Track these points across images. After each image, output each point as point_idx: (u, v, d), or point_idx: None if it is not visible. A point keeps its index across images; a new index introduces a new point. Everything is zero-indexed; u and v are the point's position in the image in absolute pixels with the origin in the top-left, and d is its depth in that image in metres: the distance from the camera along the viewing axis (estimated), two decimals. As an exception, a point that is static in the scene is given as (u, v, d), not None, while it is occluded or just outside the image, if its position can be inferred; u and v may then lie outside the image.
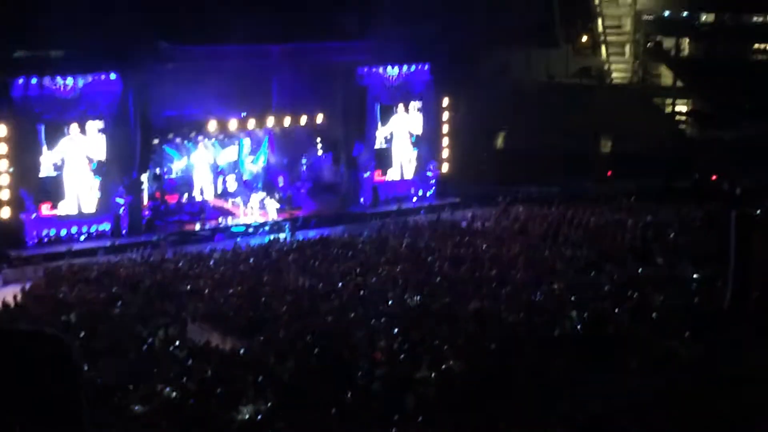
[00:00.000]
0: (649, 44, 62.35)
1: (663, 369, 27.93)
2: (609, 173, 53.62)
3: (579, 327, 30.41)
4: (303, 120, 49.34)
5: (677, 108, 61.69)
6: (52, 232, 42.63)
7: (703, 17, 61.79)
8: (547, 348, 28.74)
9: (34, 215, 41.84)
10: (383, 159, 52.09)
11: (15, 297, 33.96)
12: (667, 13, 62.08)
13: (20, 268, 38.77)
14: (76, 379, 2.37)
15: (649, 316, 31.77)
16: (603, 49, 62.59)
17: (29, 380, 2.25)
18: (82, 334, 28.87)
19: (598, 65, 62.68)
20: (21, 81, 41.65)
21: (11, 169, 41.53)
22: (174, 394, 25.26)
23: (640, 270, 37.52)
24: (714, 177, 52.29)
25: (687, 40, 61.93)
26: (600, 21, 62.53)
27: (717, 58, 57.68)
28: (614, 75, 62.53)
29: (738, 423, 23.37)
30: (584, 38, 63.53)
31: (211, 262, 38.95)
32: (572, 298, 33.27)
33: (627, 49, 62.86)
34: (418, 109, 52.76)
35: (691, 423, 23.84)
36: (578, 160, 52.33)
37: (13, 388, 2.28)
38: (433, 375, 26.37)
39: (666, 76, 62.18)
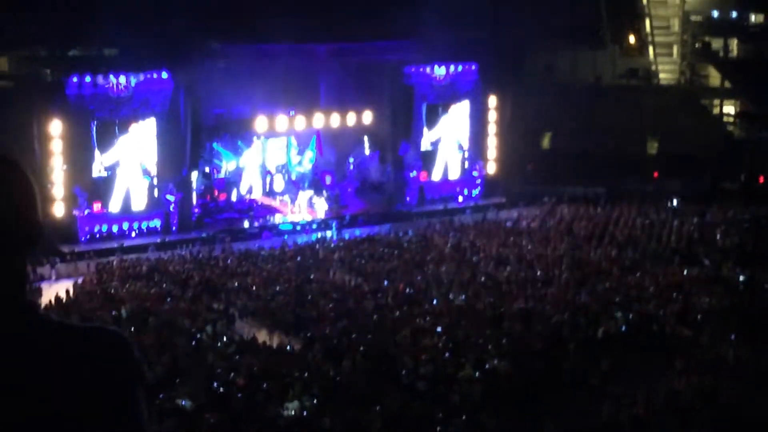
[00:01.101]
0: (697, 45, 61.97)
1: (708, 371, 27.95)
2: (656, 174, 53.42)
3: (624, 328, 30.49)
4: (350, 119, 49.60)
5: (725, 109, 61.29)
6: (104, 228, 43.35)
7: (753, 17, 61.39)
8: (591, 348, 28.89)
9: (86, 211, 42.58)
10: (429, 159, 52.29)
11: (67, 291, 34.69)
12: (715, 13, 61.71)
13: (72, 263, 39.52)
14: (138, 377, 2.49)
15: (695, 318, 31.78)
16: (650, 49, 62.25)
17: (90, 377, 2.38)
18: (132, 328, 29.45)
19: (646, 66, 62.36)
20: (75, 79, 42.38)
21: (65, 167, 42.25)
22: (221, 389, 25.75)
23: (686, 271, 37.47)
24: (762, 179, 51.94)
25: (735, 40, 61.53)
26: (648, 21, 62.19)
27: (766, 59, 57.19)
28: (661, 76, 62.14)
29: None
30: (631, 39, 63.23)
31: (259, 260, 39.47)
32: (617, 299, 33.34)
33: (675, 49, 62.46)
34: (465, 109, 52.89)
35: (734, 427, 23.88)
36: (625, 161, 52.18)
37: (73, 385, 2.41)
38: (477, 374, 26.61)
39: (714, 77, 61.75)
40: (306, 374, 26.41)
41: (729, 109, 61.56)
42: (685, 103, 58.56)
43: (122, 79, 43.31)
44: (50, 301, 32.87)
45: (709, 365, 28.25)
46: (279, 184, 49.92)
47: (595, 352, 28.61)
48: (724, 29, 61.48)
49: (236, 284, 35.51)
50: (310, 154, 51.28)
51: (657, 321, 31.36)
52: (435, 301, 33.58)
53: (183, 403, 25.20)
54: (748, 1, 60.43)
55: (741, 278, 36.14)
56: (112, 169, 43.73)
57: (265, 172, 49.80)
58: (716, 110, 61.75)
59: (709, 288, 34.93)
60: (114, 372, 2.62)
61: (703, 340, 30.46)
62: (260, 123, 46.96)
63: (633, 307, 32.46)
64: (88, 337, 2.63)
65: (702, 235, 42.86)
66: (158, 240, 43.06)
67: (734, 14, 61.70)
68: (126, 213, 44.07)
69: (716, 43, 62.31)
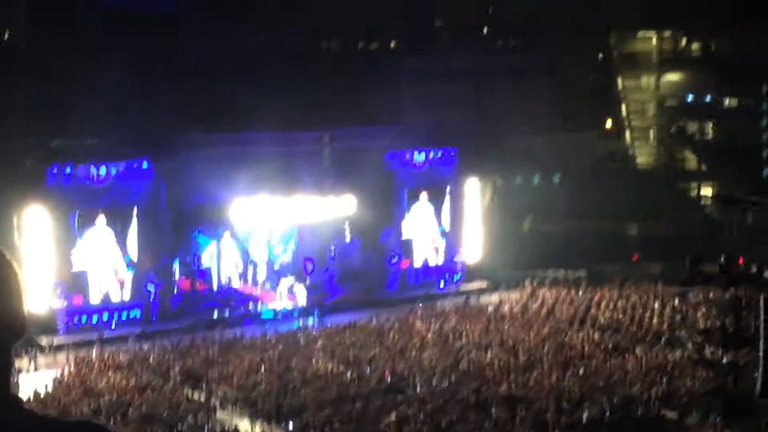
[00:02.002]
0: (672, 129, 62.76)
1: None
2: (636, 256, 53.62)
3: (608, 412, 30.35)
4: (331, 205, 49.66)
5: (702, 192, 61.88)
6: (84, 319, 43.01)
7: (726, 101, 62.32)
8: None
9: (65, 303, 42.26)
10: (410, 244, 52.36)
11: (45, 385, 34.27)
12: (690, 97, 62.67)
13: (52, 354, 39.06)
14: None
15: (680, 401, 31.69)
16: (627, 133, 63.03)
17: None
18: (111, 421, 29.09)
19: (623, 149, 63.05)
20: (56, 170, 42.44)
21: (44, 258, 42.03)
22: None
23: (669, 354, 37.45)
24: (741, 260, 52.10)
25: (710, 124, 62.39)
26: (624, 106, 63.06)
27: (740, 141, 57.98)
28: (639, 159, 62.82)
29: None
30: (609, 123, 64.04)
31: (240, 348, 39.17)
32: (601, 383, 33.23)
33: (651, 133, 63.26)
34: (445, 194, 53.19)
35: None
36: (605, 243, 52.37)
37: None
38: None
39: (690, 160, 62.53)
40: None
41: (706, 191, 62.16)
42: (663, 185, 59.09)
43: (102, 169, 43.38)
44: (29, 395, 32.48)
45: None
46: (261, 273, 49.72)
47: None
48: (698, 113, 62.37)
49: (217, 373, 35.21)
50: (291, 244, 51.19)
51: (641, 404, 31.27)
52: (418, 388, 33.41)
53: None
54: (721, 85, 61.37)
55: (724, 360, 36.09)
56: (92, 259, 43.55)
57: (247, 261, 49.63)
58: (694, 192, 62.33)
59: (692, 370, 34.91)
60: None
61: (688, 423, 30.37)
62: (240, 210, 46.99)
63: (617, 390, 32.39)
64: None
65: (684, 317, 42.92)
66: (138, 330, 42.69)
67: (708, 98, 62.64)
68: (106, 303, 43.79)
69: (692, 127, 63.14)
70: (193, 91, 46.58)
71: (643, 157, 63.29)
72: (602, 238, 52.64)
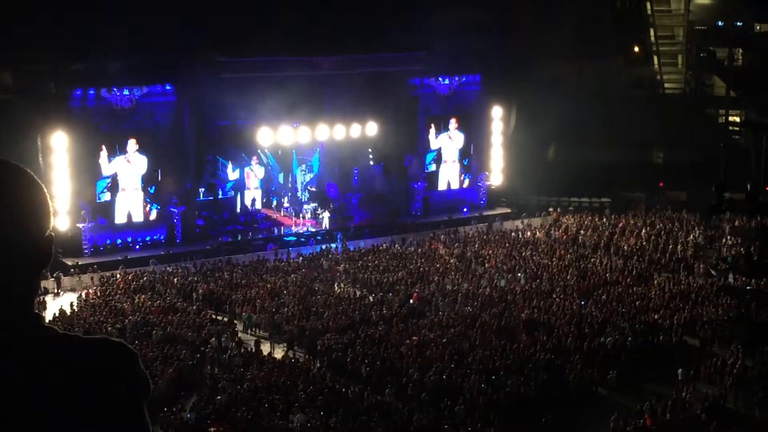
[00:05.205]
0: (702, 54, 61.87)
1: (715, 381, 27.84)
2: (661, 184, 53.29)
3: (630, 338, 30.35)
4: (354, 130, 49.51)
5: (731, 118, 61.19)
6: (108, 240, 43.27)
7: (757, 27, 61.33)
8: (598, 359, 28.75)
9: (90, 224, 42.48)
10: (434, 170, 52.24)
11: (71, 304, 34.58)
12: (720, 23, 61.63)
13: (76, 276, 39.38)
14: (143, 390, 2.40)
15: (702, 328, 31.65)
16: (655, 59, 62.17)
17: (94, 390, 2.29)
18: (135, 341, 29.35)
19: (651, 76, 62.26)
20: (79, 92, 42.36)
21: (69, 179, 42.16)
22: (226, 401, 25.63)
23: (692, 281, 37.35)
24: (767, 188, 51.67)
25: (740, 50, 61.47)
26: (652, 31, 62.10)
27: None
28: (667, 85, 62.06)
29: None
30: (636, 49, 63.11)
31: (263, 271, 39.34)
32: (623, 310, 33.22)
33: (680, 59, 62.39)
34: (469, 120, 52.90)
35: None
36: (630, 171, 52.05)
37: (77, 398, 2.31)
38: (483, 385, 26.49)
39: (719, 87, 61.70)
40: (311, 387, 26.32)
41: (735, 118, 61.45)
42: (691, 112, 58.44)
43: (126, 92, 43.32)
44: (54, 315, 32.82)
45: (716, 375, 28.15)
46: (284, 197, 49.83)
47: (601, 363, 28.51)
48: (728, 39, 61.38)
49: (241, 296, 35.42)
50: (314, 169, 51.22)
51: (664, 331, 31.26)
52: (440, 313, 33.48)
53: (188, 416, 25.11)
54: (752, 10, 60.31)
55: (747, 288, 35.94)
56: (115, 181, 43.67)
57: (270, 185, 49.71)
58: (722, 119, 61.61)
59: (715, 298, 34.83)
60: (119, 385, 2.51)
61: (709, 350, 30.38)
62: (264, 135, 46.88)
63: (639, 317, 32.38)
64: (92, 349, 2.52)
65: (708, 245, 42.75)
66: (162, 252, 42.93)
67: (739, 24, 61.61)
68: (130, 225, 44.01)
69: (721, 53, 62.22)
70: (215, 16, 46.07)
71: (671, 84, 62.51)
72: (627, 166, 52.29)
